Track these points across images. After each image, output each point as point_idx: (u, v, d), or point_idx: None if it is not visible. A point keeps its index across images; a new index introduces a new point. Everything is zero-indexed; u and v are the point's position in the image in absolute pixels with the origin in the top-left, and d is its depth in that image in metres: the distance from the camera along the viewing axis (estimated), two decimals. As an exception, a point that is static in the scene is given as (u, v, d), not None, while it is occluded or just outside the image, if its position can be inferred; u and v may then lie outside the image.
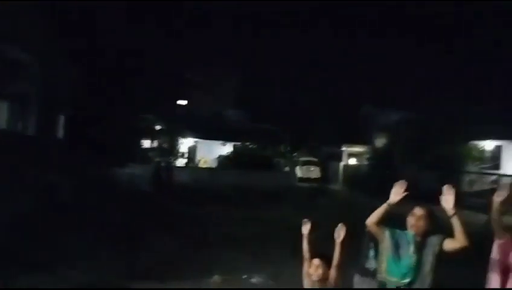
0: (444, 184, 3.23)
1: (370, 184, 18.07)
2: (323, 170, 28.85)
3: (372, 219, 3.32)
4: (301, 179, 27.31)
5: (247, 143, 27.44)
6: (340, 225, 3.52)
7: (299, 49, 48.69)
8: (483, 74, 27.34)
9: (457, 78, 30.02)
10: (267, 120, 30.26)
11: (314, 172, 28.58)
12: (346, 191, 23.75)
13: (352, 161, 29.99)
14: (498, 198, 3.47)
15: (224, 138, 27.95)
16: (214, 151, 28.35)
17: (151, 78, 19.00)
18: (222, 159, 27.54)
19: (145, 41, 17.42)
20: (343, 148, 30.18)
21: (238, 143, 27.85)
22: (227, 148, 28.13)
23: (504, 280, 3.55)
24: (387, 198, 3.30)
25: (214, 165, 28.00)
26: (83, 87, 13.66)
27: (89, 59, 14.20)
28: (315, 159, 29.55)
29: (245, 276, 6.84)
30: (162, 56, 19.44)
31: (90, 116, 14.19)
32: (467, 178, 19.18)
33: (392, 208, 3.28)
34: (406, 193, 3.23)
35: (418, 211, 3.33)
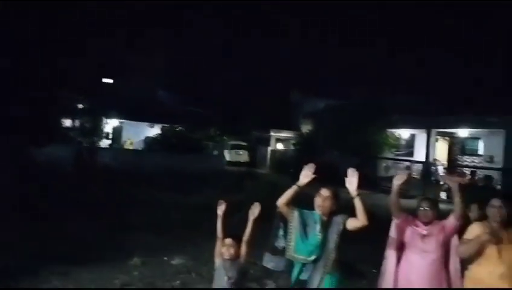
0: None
1: (295, 168, 18.66)
2: (252, 154, 29.34)
3: (282, 200, 3.50)
4: (230, 163, 27.54)
5: (176, 125, 27.07)
6: (255, 203, 3.67)
7: (229, 33, 48.54)
8: (401, 66, 29.06)
9: (378, 69, 31.66)
10: (196, 103, 30.01)
11: (243, 156, 28.97)
12: (273, 175, 24.34)
13: (280, 146, 30.76)
14: (397, 181, 3.81)
15: (152, 120, 27.34)
16: (140, 133, 27.66)
17: (75, 55, 17.93)
18: (149, 141, 26.97)
19: (68, 15, 16.34)
20: (271, 133, 30.83)
21: (166, 125, 27.38)
22: (154, 130, 27.56)
23: (399, 256, 3.92)
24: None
25: (140, 147, 27.34)
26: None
27: (4, 33, 13.07)
28: (244, 143, 29.93)
29: (166, 258, 6.85)
30: (87, 32, 18.38)
31: (8, 94, 13.15)
32: (383, 164, 20.57)
33: (301, 190, 3.49)
34: (314, 176, 3.44)
35: (324, 192, 3.57)
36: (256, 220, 3.58)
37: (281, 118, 29.67)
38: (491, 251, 3.51)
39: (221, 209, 3.72)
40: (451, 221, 3.82)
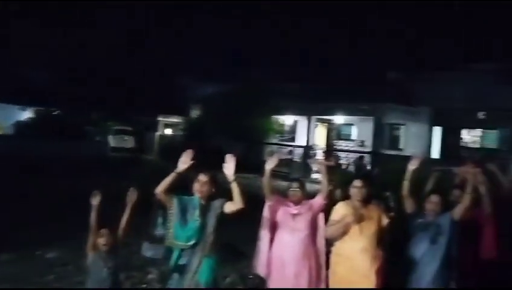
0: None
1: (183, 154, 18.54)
2: (139, 140, 28.35)
3: (160, 188, 3.47)
4: (114, 149, 26.30)
5: (52, 109, 24.93)
6: (131, 189, 3.59)
7: (117, 15, 45.64)
8: (284, 53, 30.12)
9: (263, 55, 32.50)
10: (75, 84, 27.87)
11: (129, 142, 27.84)
12: (161, 161, 23.87)
13: (168, 131, 30.22)
14: (268, 166, 4.03)
15: (24, 102, 24.82)
16: (10, 117, 24.96)
17: None
18: (21, 126, 24.47)
19: None
20: (160, 118, 30.10)
21: (41, 108, 25.08)
22: (27, 114, 25.07)
23: (272, 237, 4.18)
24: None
25: (10, 132, 24.69)
26: None
27: None
28: (129, 129, 28.77)
29: (39, 252, 6.39)
30: None
31: None
32: (268, 148, 21.44)
33: (180, 176, 3.50)
34: (192, 162, 3.47)
35: (203, 177, 3.63)
36: (133, 207, 3.51)
37: (170, 102, 29.09)
38: (353, 228, 3.92)
39: (95, 200, 3.58)
40: (318, 200, 4.18)
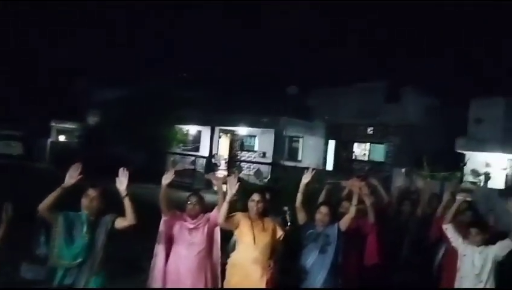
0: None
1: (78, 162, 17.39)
2: (27, 146, 26.01)
3: (44, 205, 3.22)
4: (-1, 156, 23.79)
5: None
6: (6, 203, 3.27)
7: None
8: (190, 62, 29.69)
9: (168, 63, 31.92)
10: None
11: (16, 148, 25.46)
12: (52, 169, 22.15)
13: (62, 138, 28.18)
14: (165, 181, 3.96)
15: None
16: None
17: None
18: None
19: None
20: (52, 124, 27.98)
21: None
22: None
23: (168, 251, 4.10)
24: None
25: None
26: None
27: None
28: (17, 134, 26.28)
29: None
30: None
31: None
32: (171, 158, 21.06)
33: (66, 191, 3.28)
34: (80, 176, 3.28)
35: (91, 192, 3.45)
36: (8, 223, 3.18)
37: (64, 106, 27.13)
38: (248, 238, 4.01)
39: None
40: (215, 214, 4.20)
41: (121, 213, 3.45)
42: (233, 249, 4.24)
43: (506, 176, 15.80)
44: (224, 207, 3.88)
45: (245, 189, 4.85)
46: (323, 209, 4.38)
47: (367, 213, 4.85)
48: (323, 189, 5.29)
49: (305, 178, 4.47)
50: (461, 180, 14.66)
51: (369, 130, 20.02)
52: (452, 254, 4.68)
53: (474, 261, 4.13)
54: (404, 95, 18.93)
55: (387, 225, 5.18)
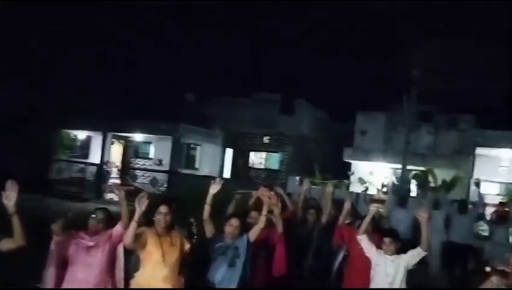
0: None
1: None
2: None
3: None
4: None
5: None
6: None
7: None
8: (83, 63, 27.59)
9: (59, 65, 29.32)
10: None
11: None
12: None
13: None
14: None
15: None
16: None
17: None
18: None
19: None
20: None
21: None
22: None
23: (60, 276, 3.63)
24: None
25: None
26: None
27: None
28: None
29: None
30: None
31: None
32: (57, 165, 19.30)
33: None
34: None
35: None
36: None
37: None
38: (156, 256, 3.71)
39: None
40: (118, 229, 3.82)
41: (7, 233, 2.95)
42: (136, 267, 3.89)
43: (388, 184, 17.30)
44: (132, 227, 3.54)
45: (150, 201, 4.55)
46: (234, 222, 4.26)
47: (274, 223, 4.84)
48: (232, 200, 5.18)
49: (213, 189, 4.31)
50: (348, 187, 15.74)
51: (266, 140, 20.57)
52: (354, 262, 4.85)
53: (387, 271, 4.25)
54: (298, 108, 19.84)
55: (294, 234, 5.23)
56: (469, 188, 15.93)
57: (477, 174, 16.41)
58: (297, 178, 16.37)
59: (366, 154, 17.72)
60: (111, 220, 3.90)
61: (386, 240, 4.31)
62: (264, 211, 4.33)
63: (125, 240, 3.59)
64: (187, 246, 4.00)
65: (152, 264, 3.71)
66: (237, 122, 19.96)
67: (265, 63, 23.65)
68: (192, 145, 20.16)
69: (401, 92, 14.97)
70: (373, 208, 4.57)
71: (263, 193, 4.51)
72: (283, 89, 19.86)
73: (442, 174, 15.17)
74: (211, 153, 20.68)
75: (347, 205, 5.36)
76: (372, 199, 5.00)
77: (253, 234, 4.28)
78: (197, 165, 20.22)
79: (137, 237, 3.62)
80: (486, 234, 9.41)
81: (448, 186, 14.65)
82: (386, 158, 17.22)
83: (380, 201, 4.73)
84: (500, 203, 11.64)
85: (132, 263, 4.05)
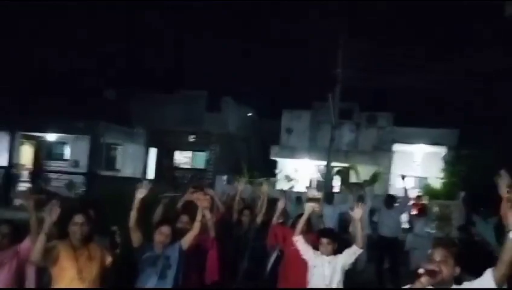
0: None
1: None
2: None
3: None
4: None
5: None
6: None
7: None
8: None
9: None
10: None
11: None
12: None
13: None
14: None
15: None
16: None
17: None
18: None
19: None
20: None
21: None
22: None
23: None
24: None
25: None
26: None
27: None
28: None
29: None
30: None
31: None
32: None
33: None
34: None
35: None
36: None
37: None
38: (71, 272, 3.23)
39: None
40: (26, 244, 3.28)
41: None
42: (48, 286, 3.36)
43: (312, 181, 17.67)
44: (40, 240, 3.01)
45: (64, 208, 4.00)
46: (165, 230, 3.86)
47: (207, 228, 4.50)
48: (159, 204, 4.76)
49: (140, 192, 3.89)
50: (274, 185, 15.80)
51: (191, 138, 20.05)
52: (289, 263, 4.69)
53: (324, 272, 4.11)
54: (224, 105, 19.59)
55: (228, 237, 4.96)
56: (388, 183, 16.77)
57: (395, 169, 17.34)
58: (225, 177, 16.12)
59: (291, 152, 17.94)
60: (18, 233, 3.32)
61: (324, 240, 4.16)
62: (199, 216, 3.99)
63: (33, 255, 3.06)
64: (109, 259, 3.53)
65: (67, 282, 3.21)
66: (161, 120, 19.23)
67: (190, 58, 23.00)
68: (112, 145, 19.03)
69: (325, 90, 15.29)
70: (309, 206, 4.42)
71: (198, 196, 4.15)
72: (209, 85, 19.41)
73: (363, 170, 15.77)
74: (132, 153, 19.69)
75: (281, 204, 5.23)
76: (308, 198, 4.86)
77: (186, 241, 3.92)
78: (118, 166, 19.13)
79: (48, 251, 3.10)
80: (406, 226, 9.89)
81: (370, 181, 15.25)
82: (311, 155, 17.56)
83: (315, 199, 4.58)
84: (417, 197, 12.42)
85: (45, 282, 3.51)
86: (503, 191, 2.49)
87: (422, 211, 10.04)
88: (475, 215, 8.73)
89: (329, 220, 7.58)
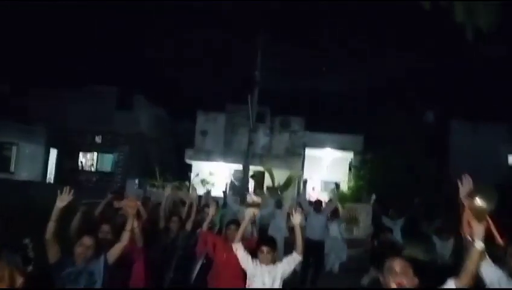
0: None
1: None
2: None
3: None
4: None
5: None
6: None
7: None
8: None
9: None
10: None
11: None
12: None
13: None
14: None
15: None
16: None
17: None
18: None
19: None
20: None
21: None
22: None
23: None
24: None
25: None
26: None
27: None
28: None
29: None
30: None
31: None
32: None
33: None
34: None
35: None
36: None
37: None
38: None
39: None
40: None
41: None
42: None
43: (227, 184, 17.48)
44: None
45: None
46: (87, 241, 3.38)
47: (134, 237, 4.08)
48: (78, 212, 4.21)
49: (61, 200, 3.41)
50: (188, 189, 15.34)
51: (97, 138, 18.75)
52: (220, 270, 4.45)
53: (264, 281, 3.89)
54: (136, 103, 18.65)
55: (153, 246, 4.57)
56: (300, 186, 17.20)
57: (306, 173, 17.87)
58: (136, 181, 15.28)
59: (207, 155, 17.59)
60: None
61: (264, 249, 3.96)
62: (129, 226, 3.57)
63: None
64: (19, 279, 2.97)
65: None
66: (64, 117, 17.68)
67: (101, 54, 21.56)
68: (6, 145, 17.03)
69: (241, 93, 15.24)
70: (250, 212, 4.19)
71: (129, 203, 3.72)
72: (120, 82, 18.31)
73: (277, 174, 15.98)
74: (30, 153, 17.79)
75: (212, 210, 5.00)
76: (247, 203, 4.65)
77: (113, 254, 3.48)
78: (12, 169, 17.15)
79: None
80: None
81: (285, 185, 15.50)
82: (226, 158, 17.38)
83: (255, 205, 4.37)
84: (330, 200, 12.82)
85: None
86: (464, 199, 2.42)
87: (335, 214, 10.34)
88: (384, 216, 9.14)
89: (318, 230, 7.74)
